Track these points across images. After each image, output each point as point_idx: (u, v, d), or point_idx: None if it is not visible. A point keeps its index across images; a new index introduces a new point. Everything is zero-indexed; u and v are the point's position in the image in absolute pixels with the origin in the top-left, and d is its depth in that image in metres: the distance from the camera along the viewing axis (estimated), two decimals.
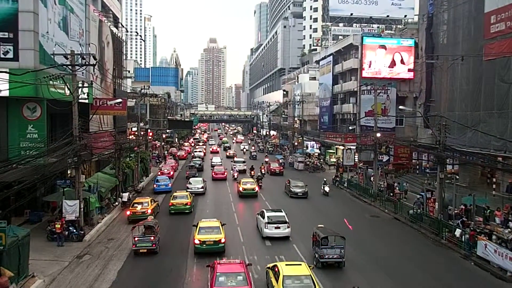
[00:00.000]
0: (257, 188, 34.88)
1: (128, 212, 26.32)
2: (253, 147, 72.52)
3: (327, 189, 35.65)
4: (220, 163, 49.03)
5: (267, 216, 23.19)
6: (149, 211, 26.02)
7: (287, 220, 23.07)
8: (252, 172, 43.44)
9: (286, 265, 15.91)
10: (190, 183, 35.51)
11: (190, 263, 19.16)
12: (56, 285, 16.59)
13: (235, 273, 14.95)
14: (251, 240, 22.64)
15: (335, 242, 18.47)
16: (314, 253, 19.10)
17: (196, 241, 19.82)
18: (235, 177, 42.24)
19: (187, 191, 31.06)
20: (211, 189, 37.87)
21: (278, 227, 22.66)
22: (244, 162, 50.27)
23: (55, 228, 20.98)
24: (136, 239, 20.00)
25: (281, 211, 24.20)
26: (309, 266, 15.96)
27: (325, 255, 18.20)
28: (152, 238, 19.97)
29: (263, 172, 43.49)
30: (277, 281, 14.86)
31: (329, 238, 18.52)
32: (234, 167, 45.40)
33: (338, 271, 18.03)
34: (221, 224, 21.22)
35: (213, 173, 43.52)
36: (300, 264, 16.10)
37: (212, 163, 49.78)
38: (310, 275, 14.98)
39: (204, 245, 19.66)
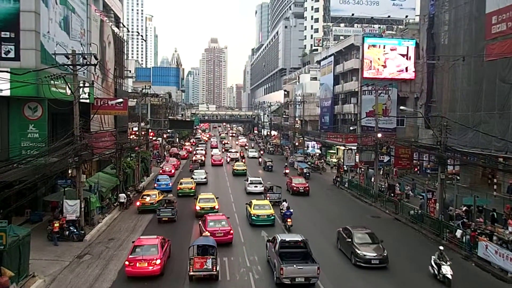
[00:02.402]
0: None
1: (138, 203, 29.11)
2: (262, 152, 68.66)
3: (446, 271, 16.56)
4: (218, 154, 60.81)
5: (250, 180, 36.18)
6: (157, 202, 28.50)
7: (262, 182, 35.52)
8: (243, 160, 56.25)
9: (257, 200, 27.33)
10: (194, 174, 40.85)
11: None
12: (57, 285, 16.60)
13: (220, 220, 22.04)
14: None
15: (276, 191, 31.29)
16: (264, 197, 31.15)
17: (197, 208, 26.90)
18: (228, 161, 57.67)
19: (191, 179, 36.98)
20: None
21: (256, 186, 34.96)
22: (236, 151, 64.41)
23: (53, 227, 20.98)
24: (160, 209, 25.95)
25: (259, 177, 37.38)
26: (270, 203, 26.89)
27: (270, 197, 30.40)
28: (172, 209, 25.92)
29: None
30: (250, 207, 25.73)
31: (273, 188, 31.61)
32: (228, 155, 60.59)
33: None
34: (216, 197, 28.14)
35: (212, 160, 56.37)
36: (264, 199, 28.36)
37: (212, 154, 61.29)
38: (269, 204, 26.16)
39: (203, 210, 26.40)
